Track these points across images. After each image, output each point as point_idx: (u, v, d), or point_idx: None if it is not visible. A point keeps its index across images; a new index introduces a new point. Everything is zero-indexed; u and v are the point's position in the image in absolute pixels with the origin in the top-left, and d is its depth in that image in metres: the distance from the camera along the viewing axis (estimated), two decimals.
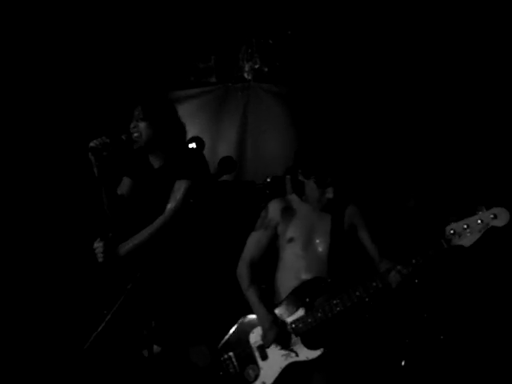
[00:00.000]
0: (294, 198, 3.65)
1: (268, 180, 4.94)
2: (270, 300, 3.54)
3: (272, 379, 3.39)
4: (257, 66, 5.96)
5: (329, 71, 5.65)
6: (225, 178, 3.54)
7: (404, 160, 5.37)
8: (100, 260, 3.49)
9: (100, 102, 5.59)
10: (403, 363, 4.50)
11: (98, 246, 3.49)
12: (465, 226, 3.10)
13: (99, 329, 3.07)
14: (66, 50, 5.52)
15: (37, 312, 5.09)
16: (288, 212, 3.59)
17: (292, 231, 3.55)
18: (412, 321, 4.65)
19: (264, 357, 3.43)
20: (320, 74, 5.69)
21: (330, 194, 3.44)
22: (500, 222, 3.06)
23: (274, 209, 3.63)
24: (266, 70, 5.95)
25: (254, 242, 3.62)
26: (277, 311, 3.46)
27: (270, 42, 5.87)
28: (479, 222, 3.09)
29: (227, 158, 3.43)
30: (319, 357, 3.30)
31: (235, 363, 3.51)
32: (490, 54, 5.14)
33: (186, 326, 3.61)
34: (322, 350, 3.30)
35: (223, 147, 5.85)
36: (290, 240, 3.54)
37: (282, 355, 3.38)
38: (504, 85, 5.15)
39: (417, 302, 4.67)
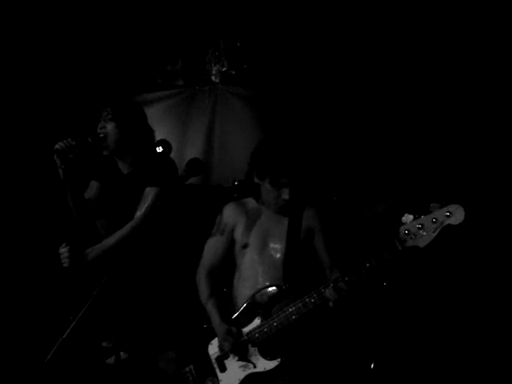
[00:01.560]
0: (250, 201, 3.54)
1: (236, 183, 4.91)
2: (229, 307, 3.45)
3: None
4: (224, 69, 5.95)
5: (296, 74, 5.65)
6: (192, 181, 3.51)
7: (372, 163, 5.39)
8: (65, 265, 3.42)
9: (66, 104, 5.52)
10: (372, 366, 4.51)
11: (64, 251, 3.42)
12: (419, 226, 2.92)
13: (64, 335, 3.02)
14: (32, 49, 5.46)
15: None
16: (243, 216, 3.48)
17: (247, 236, 3.44)
18: (381, 323, 4.65)
19: (223, 368, 3.34)
20: (287, 77, 5.69)
21: (285, 196, 3.30)
22: (455, 220, 2.87)
23: (228, 213, 3.52)
24: (234, 72, 5.94)
25: (212, 249, 3.51)
26: (234, 321, 3.36)
27: (238, 44, 5.85)
28: (433, 220, 2.90)
29: (195, 159, 3.40)
30: (277, 367, 3.22)
31: (195, 375, 3.41)
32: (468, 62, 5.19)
33: (153, 331, 3.57)
34: (279, 360, 3.22)
35: (190, 150, 5.82)
36: (245, 246, 3.43)
37: (240, 366, 3.29)
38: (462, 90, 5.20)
39: (386, 304, 4.68)
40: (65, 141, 3.43)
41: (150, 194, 3.50)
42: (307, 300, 3.15)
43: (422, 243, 2.93)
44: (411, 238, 2.94)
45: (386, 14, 5.35)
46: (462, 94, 5.19)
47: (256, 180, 3.42)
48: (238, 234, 3.47)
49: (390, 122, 5.41)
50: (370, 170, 5.38)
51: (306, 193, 3.45)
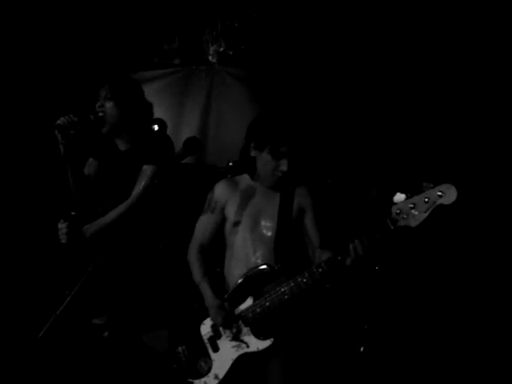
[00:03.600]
0: (243, 178, 3.50)
1: (230, 164, 4.91)
2: (221, 286, 3.42)
3: (224, 371, 3.28)
4: (221, 49, 5.92)
5: (294, 55, 5.63)
6: (187, 161, 3.51)
7: (366, 146, 5.41)
8: (63, 241, 3.43)
9: (65, 81, 5.50)
10: (362, 349, 4.54)
11: (62, 226, 3.43)
12: (411, 205, 2.87)
13: (58, 311, 3.03)
14: (31, 28, 5.43)
15: None
16: (235, 193, 3.44)
17: (239, 214, 3.40)
18: (371, 307, 4.68)
19: (215, 349, 3.32)
20: (285, 59, 5.67)
21: (284, 166, 3.25)
22: (447, 200, 2.81)
23: (219, 190, 3.48)
24: (231, 53, 5.91)
25: (202, 227, 3.48)
26: (226, 300, 3.31)
27: (236, 25, 5.82)
28: (426, 200, 2.85)
29: (192, 138, 3.40)
30: (270, 346, 3.21)
31: (187, 355, 3.39)
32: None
33: (146, 310, 3.58)
34: (272, 340, 3.20)
35: (186, 130, 5.80)
36: (237, 224, 3.39)
37: (233, 346, 3.27)
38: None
39: (376, 288, 4.70)
40: (67, 116, 3.42)
41: (147, 171, 3.50)
42: (299, 280, 3.14)
43: (413, 223, 2.90)
44: (403, 218, 2.90)
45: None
46: (450, 78, 5.20)
47: (253, 153, 3.38)
48: (230, 212, 3.44)
49: (382, 105, 5.42)
50: (364, 152, 5.39)
51: (301, 168, 3.40)
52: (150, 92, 5.05)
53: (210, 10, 5.82)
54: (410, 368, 4.56)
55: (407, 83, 5.34)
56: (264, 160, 3.33)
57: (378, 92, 5.44)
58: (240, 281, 3.33)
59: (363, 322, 4.62)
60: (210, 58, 5.96)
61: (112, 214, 3.48)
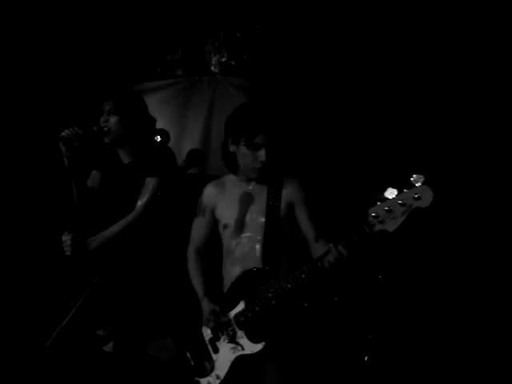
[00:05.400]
0: (229, 178, 3.50)
1: None
2: (218, 288, 3.46)
3: (224, 371, 3.32)
4: (224, 60, 5.93)
5: (296, 66, 5.64)
6: (190, 171, 3.52)
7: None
8: (67, 253, 3.45)
9: (68, 93, 5.53)
10: (366, 359, 4.54)
11: (66, 239, 3.45)
12: (386, 209, 2.77)
13: (64, 323, 3.05)
14: (34, 39, 5.48)
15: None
16: (223, 195, 3.46)
17: (227, 217, 3.41)
18: (375, 316, 4.68)
19: (216, 350, 3.36)
20: (287, 69, 5.68)
21: (262, 157, 3.24)
22: (423, 203, 2.72)
23: (207, 194, 3.52)
24: (233, 63, 5.92)
25: (196, 231, 3.52)
26: (220, 303, 3.34)
27: (238, 35, 5.84)
28: (400, 203, 2.74)
29: (195, 150, 3.42)
30: (263, 350, 3.22)
31: (193, 356, 3.44)
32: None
33: (150, 321, 3.60)
34: (263, 344, 3.21)
35: (188, 140, 5.80)
36: (225, 226, 3.42)
37: (231, 348, 3.30)
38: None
39: (380, 297, 4.71)
40: (71, 129, 3.45)
41: (150, 184, 3.53)
42: (284, 285, 3.14)
43: (390, 227, 2.81)
44: (379, 222, 2.82)
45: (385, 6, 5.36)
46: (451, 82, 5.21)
47: (231, 148, 3.37)
48: (220, 215, 3.46)
49: (385, 115, 5.42)
50: (366, 160, 5.39)
51: (283, 158, 3.38)
52: (153, 102, 5.10)
53: (212, 20, 5.83)
54: (415, 377, 4.56)
55: (410, 87, 5.34)
56: (242, 153, 3.32)
57: (382, 99, 5.44)
58: (232, 284, 3.36)
59: (367, 332, 4.63)
60: (213, 68, 5.96)
61: (116, 227, 3.51)
